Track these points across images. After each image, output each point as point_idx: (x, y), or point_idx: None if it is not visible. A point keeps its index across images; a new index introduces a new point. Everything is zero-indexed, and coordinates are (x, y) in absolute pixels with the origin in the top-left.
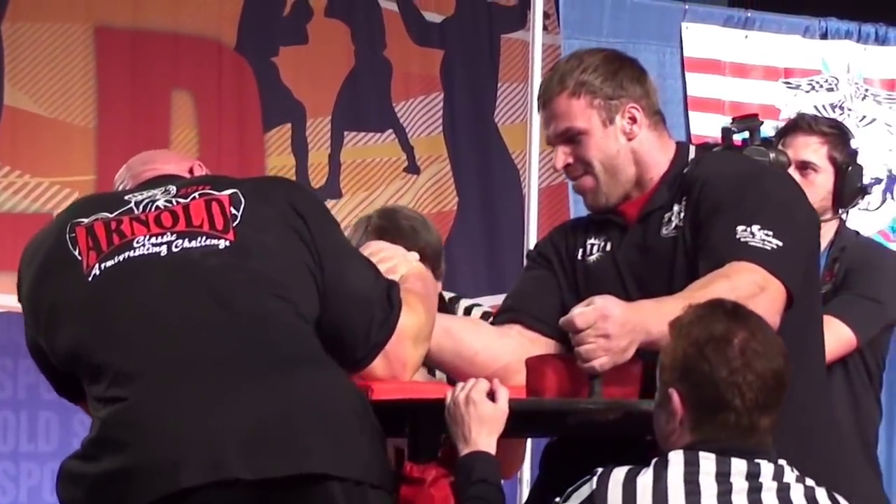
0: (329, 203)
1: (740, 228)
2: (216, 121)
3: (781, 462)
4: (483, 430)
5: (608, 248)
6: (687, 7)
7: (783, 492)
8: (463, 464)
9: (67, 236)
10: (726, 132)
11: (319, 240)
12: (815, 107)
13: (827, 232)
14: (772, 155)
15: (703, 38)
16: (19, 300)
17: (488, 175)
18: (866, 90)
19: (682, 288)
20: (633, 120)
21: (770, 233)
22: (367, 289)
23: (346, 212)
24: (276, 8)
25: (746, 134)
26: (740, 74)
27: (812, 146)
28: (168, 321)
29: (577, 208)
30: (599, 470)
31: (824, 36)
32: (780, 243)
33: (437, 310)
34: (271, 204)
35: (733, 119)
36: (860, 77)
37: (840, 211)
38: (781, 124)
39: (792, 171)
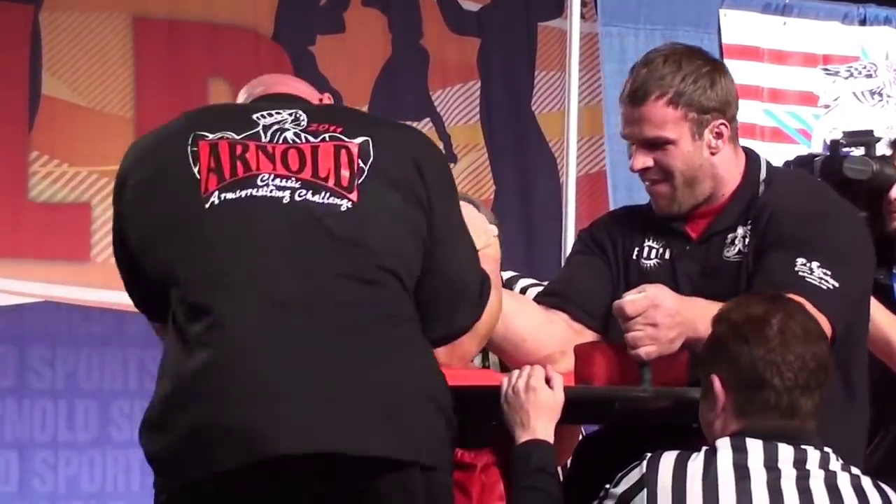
0: None
1: (800, 261)
2: None
3: (827, 449)
4: (542, 417)
5: (667, 255)
6: None
7: (830, 479)
8: (520, 451)
9: (189, 149)
10: (835, 146)
11: (438, 209)
12: (855, 93)
13: None
14: (875, 167)
15: (741, 24)
16: (116, 197)
17: (525, 163)
18: None
19: None
20: (720, 136)
21: (828, 272)
22: (468, 277)
23: None
24: None
25: (861, 150)
26: (779, 61)
27: None
28: (279, 275)
29: (615, 196)
30: (649, 455)
31: (863, 22)
32: (837, 284)
33: None
34: (398, 161)
35: (844, 132)
36: None
37: None
38: (821, 112)
39: None
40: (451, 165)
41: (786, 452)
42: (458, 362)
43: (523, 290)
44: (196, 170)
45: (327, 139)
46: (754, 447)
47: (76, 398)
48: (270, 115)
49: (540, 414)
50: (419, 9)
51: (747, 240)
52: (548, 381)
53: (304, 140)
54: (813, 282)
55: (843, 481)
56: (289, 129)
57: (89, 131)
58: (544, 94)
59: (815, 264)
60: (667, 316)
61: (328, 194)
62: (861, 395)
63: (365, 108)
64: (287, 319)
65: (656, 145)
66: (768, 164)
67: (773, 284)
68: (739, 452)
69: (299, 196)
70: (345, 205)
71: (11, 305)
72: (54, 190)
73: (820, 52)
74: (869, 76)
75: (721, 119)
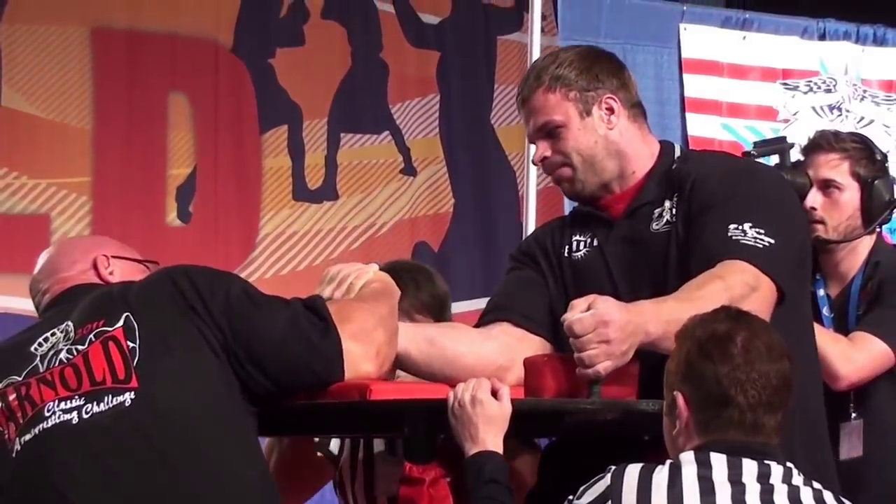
0: (325, 205)
1: (732, 226)
2: (212, 122)
3: (789, 465)
4: (491, 430)
5: (595, 243)
6: (685, 8)
7: (794, 493)
8: (472, 463)
9: None
10: (746, 157)
11: (221, 319)
12: (814, 108)
13: (860, 251)
14: (786, 176)
15: (700, 39)
16: None
17: (484, 177)
18: (864, 91)
19: (676, 281)
20: (611, 110)
21: (762, 231)
22: (286, 324)
23: (343, 213)
24: (273, 9)
25: (777, 158)
26: (738, 76)
27: (832, 163)
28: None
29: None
30: (613, 467)
31: (822, 37)
32: (772, 241)
33: None
34: (161, 314)
35: (755, 143)
36: (858, 78)
37: (871, 227)
38: (781, 126)
39: (815, 191)
40: (410, 179)
41: (750, 467)
42: (381, 371)
43: None
44: None
45: (94, 339)
46: (718, 462)
47: None
48: (47, 339)
49: (488, 426)
50: (379, 22)
51: (675, 210)
52: (494, 392)
53: (75, 353)
54: (748, 243)
55: (806, 495)
56: (62, 349)
57: (48, 143)
58: (504, 108)
59: (747, 225)
60: (618, 330)
61: (110, 396)
62: (811, 359)
63: (324, 122)
64: None
65: (550, 133)
66: (682, 147)
67: (709, 255)
68: (704, 466)
69: (86, 412)
70: (128, 399)
71: None
72: (13, 202)
73: (779, 67)
74: (828, 91)
75: (607, 93)
